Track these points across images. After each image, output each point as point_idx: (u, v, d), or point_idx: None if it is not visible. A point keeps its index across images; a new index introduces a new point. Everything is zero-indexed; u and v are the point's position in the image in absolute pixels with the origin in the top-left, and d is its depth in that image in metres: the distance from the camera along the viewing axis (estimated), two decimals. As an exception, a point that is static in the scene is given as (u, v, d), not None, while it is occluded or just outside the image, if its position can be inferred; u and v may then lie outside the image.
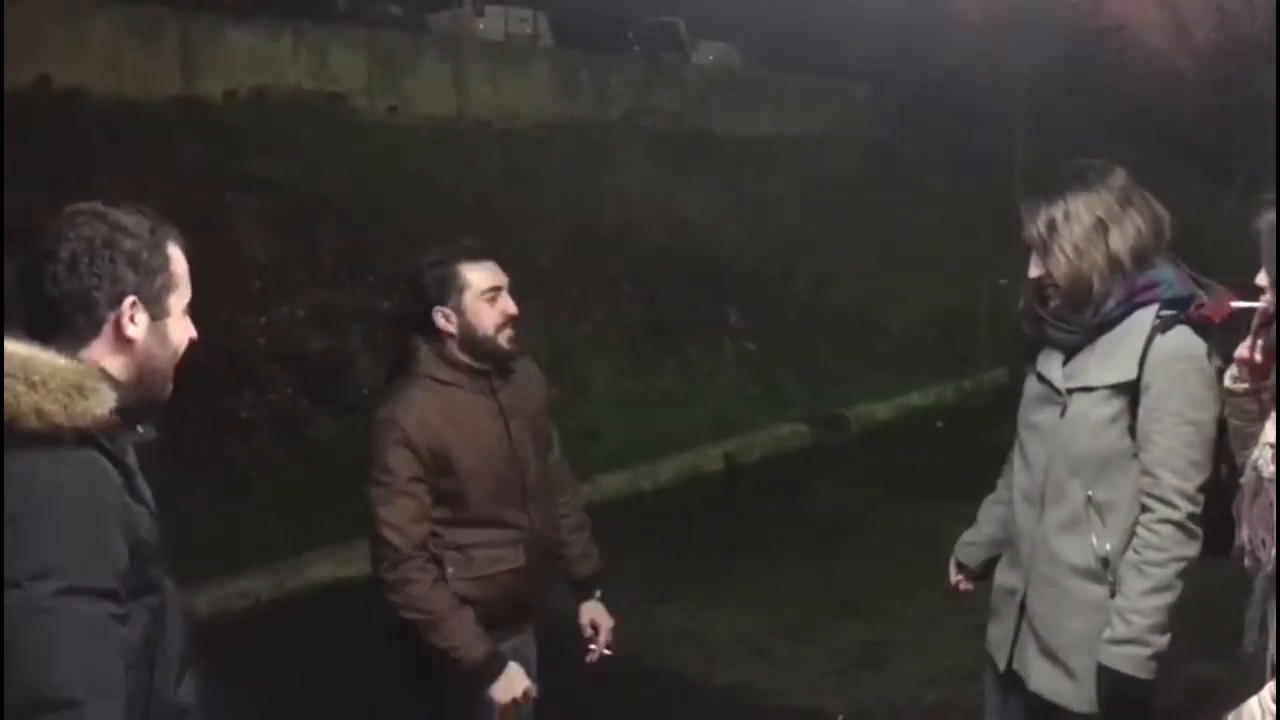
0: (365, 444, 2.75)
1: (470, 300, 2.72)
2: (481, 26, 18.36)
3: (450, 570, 2.71)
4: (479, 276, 2.73)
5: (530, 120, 14.42)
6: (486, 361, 2.77)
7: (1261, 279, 2.04)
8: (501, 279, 2.77)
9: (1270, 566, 2.03)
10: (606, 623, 3.04)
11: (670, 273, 10.86)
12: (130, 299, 1.66)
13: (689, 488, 7.96)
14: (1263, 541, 2.03)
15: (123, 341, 1.67)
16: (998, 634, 2.62)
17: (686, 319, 10.43)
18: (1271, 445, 2.01)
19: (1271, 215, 2.00)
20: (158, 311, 1.70)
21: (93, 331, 1.65)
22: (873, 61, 20.48)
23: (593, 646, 3.03)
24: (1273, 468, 2.00)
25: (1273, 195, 2.05)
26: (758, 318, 10.94)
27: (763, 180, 14.34)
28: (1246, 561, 2.09)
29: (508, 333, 2.77)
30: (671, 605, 5.58)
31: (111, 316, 1.65)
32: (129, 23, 11.98)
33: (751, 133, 17.09)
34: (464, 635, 2.64)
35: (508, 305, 2.77)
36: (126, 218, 1.68)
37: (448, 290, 2.72)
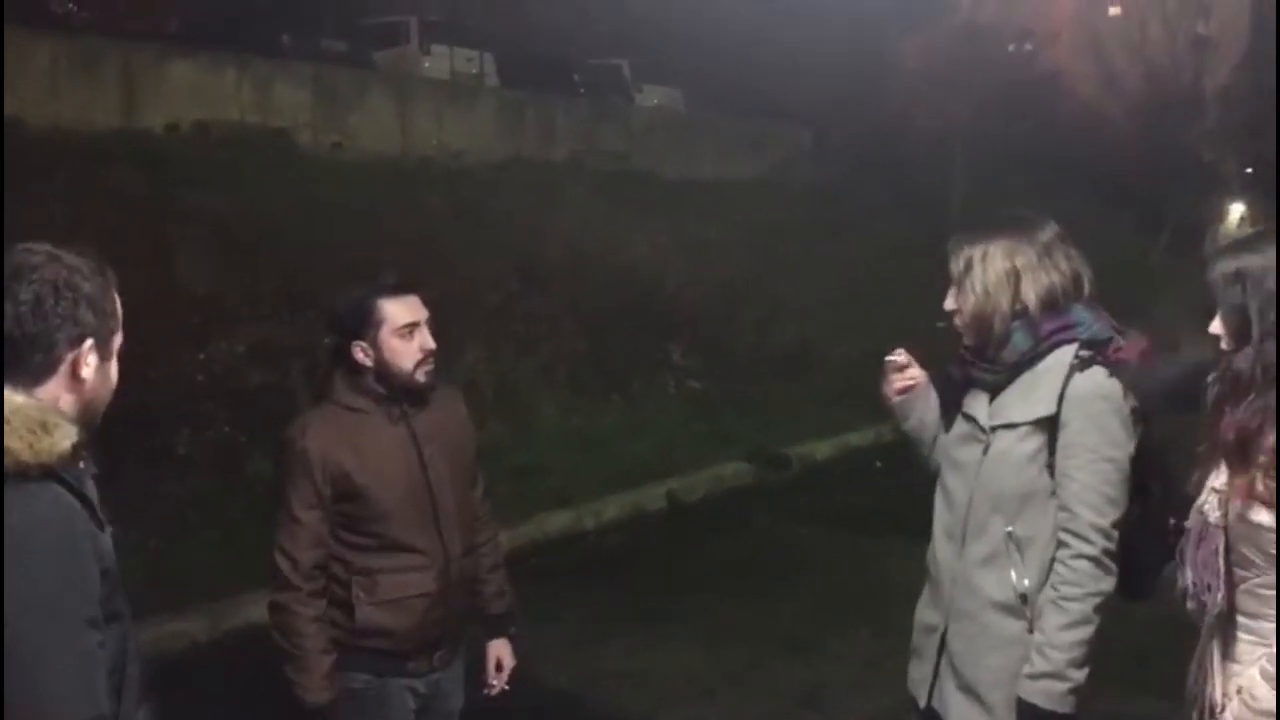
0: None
1: (387, 335, 2.76)
2: (427, 65, 18.39)
3: (359, 595, 2.76)
4: (397, 312, 2.77)
5: (476, 158, 14.46)
6: (400, 393, 2.81)
7: (1215, 327, 2.10)
8: (420, 314, 2.80)
9: (1214, 610, 2.08)
10: (510, 663, 3.11)
11: (615, 311, 10.91)
12: (89, 341, 1.70)
13: (632, 526, 7.96)
14: (1207, 586, 2.08)
15: (76, 382, 1.70)
16: (918, 672, 2.64)
17: (631, 357, 10.47)
18: (1218, 491, 2.08)
19: (1225, 266, 2.07)
20: (105, 353, 1.74)
21: (49, 371, 1.67)
22: (814, 106, 20.84)
23: (493, 682, 3.10)
24: (1219, 513, 2.05)
25: (1220, 246, 2.13)
26: (701, 356, 11.03)
27: (706, 221, 14.48)
28: (1190, 605, 2.13)
29: (426, 367, 2.80)
30: (614, 644, 5.57)
31: (69, 357, 1.68)
32: (69, 53, 11.87)
33: (695, 174, 17.29)
34: (313, 677, 2.72)
35: (425, 340, 2.79)
36: (76, 259, 1.71)
37: (365, 324, 2.76)
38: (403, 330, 2.76)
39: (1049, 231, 2.49)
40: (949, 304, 2.54)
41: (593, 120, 18.14)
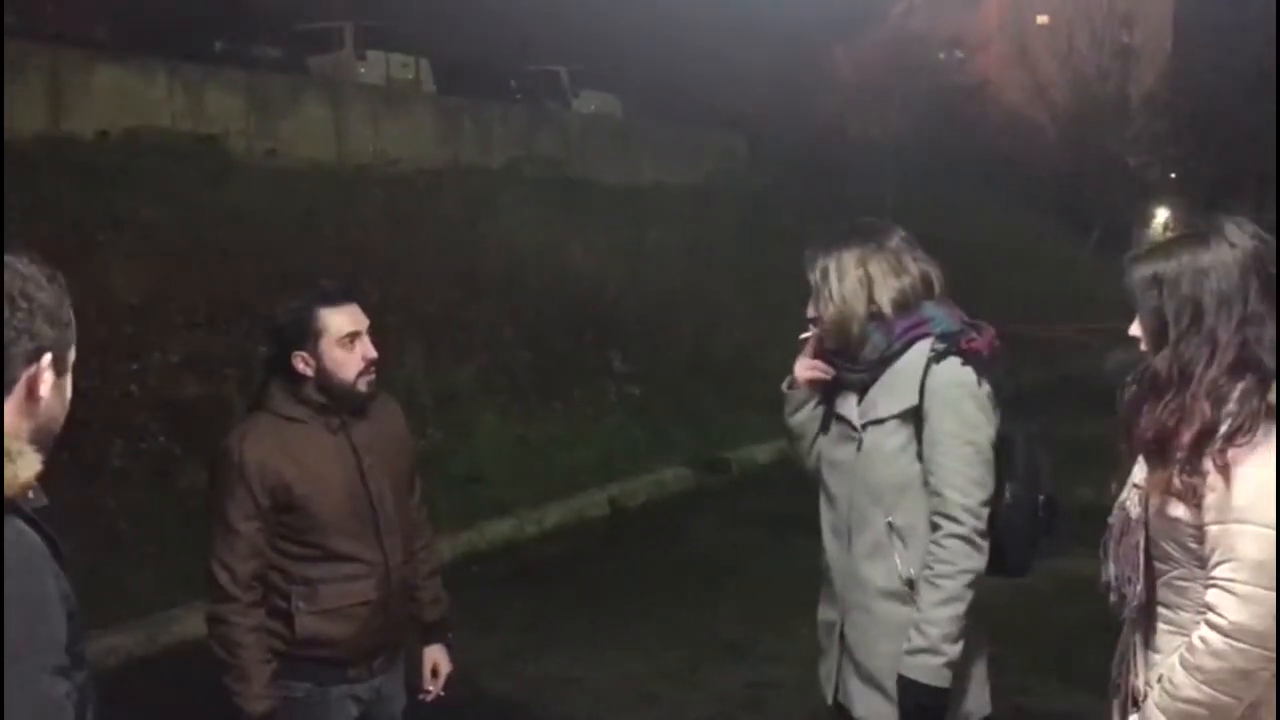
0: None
1: (328, 345, 2.74)
2: (363, 71, 18.28)
3: (299, 604, 2.74)
4: (338, 321, 2.75)
5: (413, 165, 14.38)
6: (341, 402, 2.79)
7: (1134, 329, 2.18)
8: (362, 323, 2.78)
9: (1135, 603, 2.15)
10: (446, 668, 3.12)
11: (554, 318, 10.92)
12: (47, 356, 1.53)
13: (574, 532, 7.97)
14: (1128, 579, 2.14)
15: (32, 402, 1.53)
16: (824, 669, 2.76)
17: (571, 364, 10.47)
18: (1138, 486, 2.14)
19: (1141, 271, 2.14)
20: (62, 367, 1.58)
21: (3, 391, 1.51)
22: (749, 114, 21.04)
23: (429, 688, 3.10)
24: (1140, 509, 2.12)
25: (1137, 251, 2.21)
26: (641, 362, 11.06)
27: (645, 227, 14.54)
28: (1112, 598, 2.20)
29: (368, 377, 2.78)
30: (556, 651, 5.58)
31: (25, 375, 1.52)
32: (-7, 58, 11.60)
33: (633, 181, 17.36)
34: (253, 687, 2.70)
35: (367, 350, 2.77)
36: (29, 267, 1.54)
37: (305, 334, 2.74)
38: (344, 340, 2.74)
39: (896, 238, 2.65)
40: (810, 311, 2.68)
41: (530, 126, 18.14)
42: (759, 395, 11.37)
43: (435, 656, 3.11)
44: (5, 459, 1.42)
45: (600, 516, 8.38)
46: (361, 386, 2.78)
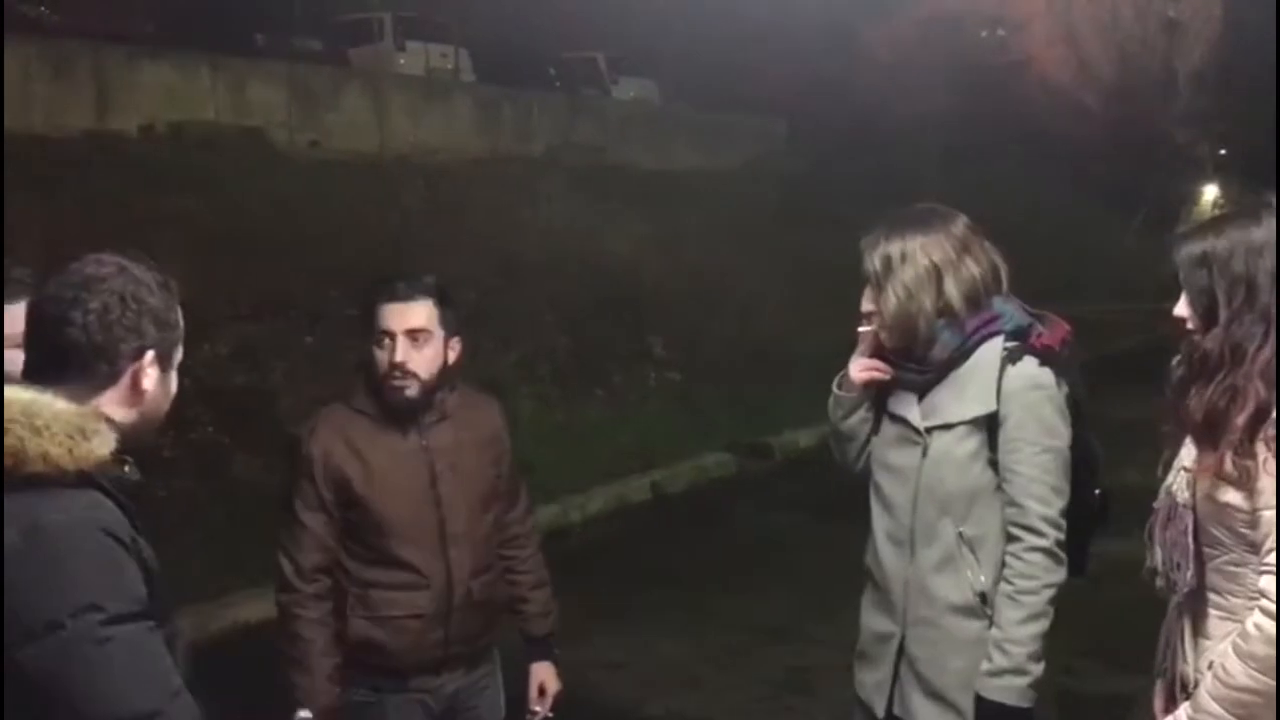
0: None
1: (371, 340, 2.65)
2: (402, 61, 18.35)
3: (354, 605, 2.67)
4: (381, 317, 2.64)
5: (452, 154, 14.44)
6: (400, 402, 2.66)
7: (1180, 308, 2.14)
8: (401, 324, 2.61)
9: (1183, 589, 2.11)
10: (554, 687, 2.95)
11: (595, 304, 10.93)
12: (151, 354, 1.73)
13: (617, 518, 8.00)
14: (1176, 565, 2.11)
15: (137, 393, 1.73)
16: (872, 679, 2.59)
17: (612, 350, 10.49)
18: (1186, 470, 2.11)
19: (1190, 249, 2.10)
20: (167, 365, 1.78)
21: (110, 381, 1.71)
22: (788, 97, 20.90)
23: (536, 709, 2.95)
24: (1188, 493, 2.09)
25: (1184, 229, 2.17)
26: (682, 348, 11.05)
27: (684, 213, 14.50)
28: (1159, 583, 2.17)
29: (394, 382, 2.61)
30: (601, 636, 5.60)
31: (130, 369, 1.72)
32: (41, 56, 11.78)
33: (672, 167, 17.31)
34: (314, 680, 2.62)
35: (395, 353, 2.61)
36: (144, 273, 1.74)
37: (366, 326, 2.69)
38: (378, 337, 2.63)
39: (961, 224, 2.44)
40: (866, 305, 2.48)
41: (569, 114, 18.14)
42: (800, 379, 11.31)
43: (542, 674, 2.95)
44: (82, 436, 1.60)
45: (643, 502, 8.40)
46: (389, 391, 2.63)
